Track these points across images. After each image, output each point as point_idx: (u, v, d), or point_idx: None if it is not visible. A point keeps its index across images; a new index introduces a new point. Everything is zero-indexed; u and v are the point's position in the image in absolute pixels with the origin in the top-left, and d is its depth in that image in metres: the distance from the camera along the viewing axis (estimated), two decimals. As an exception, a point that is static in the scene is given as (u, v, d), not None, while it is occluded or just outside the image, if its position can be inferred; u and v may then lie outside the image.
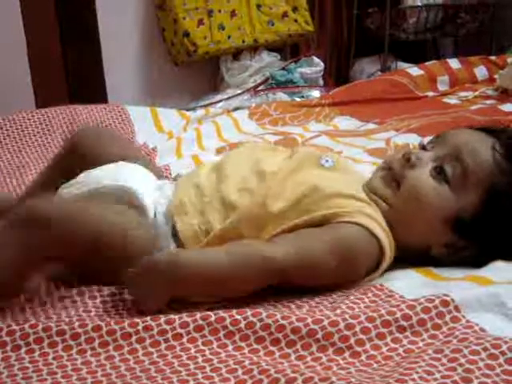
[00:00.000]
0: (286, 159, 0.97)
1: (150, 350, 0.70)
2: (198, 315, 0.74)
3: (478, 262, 0.88)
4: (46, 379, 0.66)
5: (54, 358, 0.69)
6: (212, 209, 0.90)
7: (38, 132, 1.60)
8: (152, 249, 0.86)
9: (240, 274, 0.80)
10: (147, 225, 0.89)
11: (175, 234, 0.90)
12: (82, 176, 0.95)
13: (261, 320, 0.73)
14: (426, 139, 1.03)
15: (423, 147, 0.96)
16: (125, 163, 1.00)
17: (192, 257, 0.81)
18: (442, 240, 0.90)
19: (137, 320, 0.73)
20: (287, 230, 0.87)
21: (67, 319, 0.74)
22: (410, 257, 0.91)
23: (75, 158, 1.02)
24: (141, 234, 0.87)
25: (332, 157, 0.97)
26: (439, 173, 0.90)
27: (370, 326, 0.72)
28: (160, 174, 1.14)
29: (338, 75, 3.14)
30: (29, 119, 1.62)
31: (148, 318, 0.73)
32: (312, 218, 0.86)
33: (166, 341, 0.71)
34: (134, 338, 0.71)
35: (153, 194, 0.94)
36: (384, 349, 0.71)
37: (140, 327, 0.72)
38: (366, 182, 0.95)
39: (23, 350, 0.70)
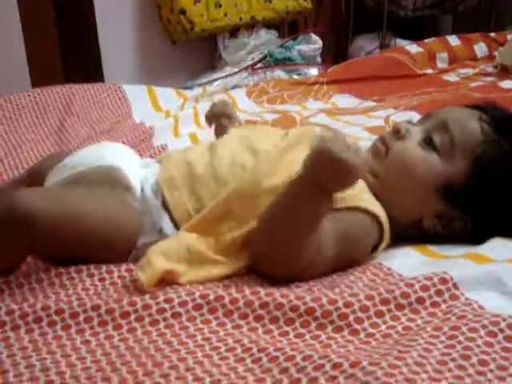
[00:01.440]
0: (281, 137, 0.97)
1: (149, 328, 0.71)
2: (197, 294, 0.74)
3: (474, 237, 0.88)
4: (45, 358, 0.66)
5: (53, 338, 0.69)
6: (203, 185, 0.89)
7: (35, 111, 1.59)
8: (138, 229, 0.86)
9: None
10: (132, 203, 0.88)
11: (167, 208, 0.89)
12: (67, 159, 0.95)
13: (259, 298, 0.73)
14: (417, 118, 1.03)
15: (412, 124, 0.96)
16: (108, 142, 0.99)
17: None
18: (432, 210, 0.90)
19: (136, 299, 0.73)
20: None
21: (66, 298, 0.74)
22: (402, 231, 0.90)
23: (36, 178, 1.00)
24: (124, 217, 0.85)
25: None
26: (428, 143, 0.91)
27: (368, 304, 0.72)
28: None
29: (336, 53, 3.12)
30: (24, 99, 1.61)
31: (147, 297, 0.73)
32: None
33: (165, 319, 0.71)
34: (132, 316, 0.71)
35: (139, 170, 0.94)
36: (383, 327, 0.71)
37: (139, 306, 0.72)
38: None
39: (22, 329, 0.70)
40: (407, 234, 0.91)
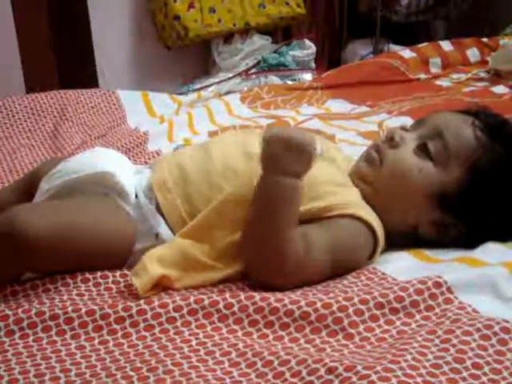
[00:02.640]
0: None
1: (144, 333, 0.71)
2: (192, 299, 0.74)
3: (470, 242, 0.89)
4: (40, 364, 0.66)
5: (47, 343, 0.69)
6: (196, 188, 0.89)
7: (29, 117, 1.59)
8: (133, 236, 0.86)
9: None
10: (127, 210, 0.88)
11: (161, 212, 0.89)
12: (60, 165, 0.95)
13: (254, 303, 0.73)
14: (410, 123, 1.03)
15: (405, 130, 0.96)
16: (100, 148, 0.99)
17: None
18: (428, 217, 0.90)
19: (130, 304, 0.73)
20: None
21: (60, 304, 0.74)
22: (397, 239, 0.90)
23: (34, 183, 0.99)
24: (120, 225, 0.85)
25: (322, 145, 0.97)
26: (422, 150, 0.91)
27: (363, 307, 0.72)
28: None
29: (329, 58, 3.13)
30: (19, 104, 1.61)
31: (141, 302, 0.73)
32: (306, 211, 0.84)
33: (160, 324, 0.72)
34: (127, 321, 0.71)
35: (132, 176, 0.94)
36: (377, 330, 0.71)
37: (134, 311, 0.72)
38: (352, 168, 0.95)
39: (17, 335, 0.70)
40: (402, 241, 0.91)
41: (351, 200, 0.87)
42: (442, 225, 0.90)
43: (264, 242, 0.80)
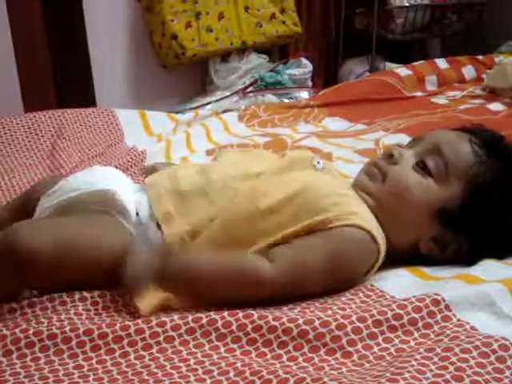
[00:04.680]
0: (277, 160, 0.98)
1: (142, 353, 0.70)
2: (190, 318, 0.74)
3: (469, 259, 0.89)
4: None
5: (45, 363, 0.69)
6: (197, 213, 0.89)
7: (27, 136, 1.59)
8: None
9: (228, 285, 0.79)
10: (127, 228, 0.88)
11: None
12: (59, 184, 0.95)
13: (252, 322, 0.73)
14: (407, 140, 1.04)
15: (401, 147, 0.97)
16: (100, 167, 0.99)
17: (185, 260, 0.82)
18: (429, 234, 0.91)
19: (128, 323, 0.73)
20: (285, 237, 0.85)
21: (58, 323, 0.74)
22: (397, 254, 0.91)
23: (30, 202, 0.99)
24: (120, 243, 0.84)
25: (322, 160, 0.98)
26: (422, 167, 0.91)
27: (361, 326, 0.72)
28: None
29: (326, 76, 3.15)
30: (17, 123, 1.61)
31: (139, 321, 0.73)
32: (309, 224, 0.85)
33: (158, 344, 0.71)
34: (125, 341, 0.71)
35: (133, 195, 0.93)
36: (376, 348, 0.71)
37: (131, 330, 0.72)
38: (353, 182, 0.96)
39: (15, 355, 0.70)
40: (403, 256, 0.92)
41: (353, 210, 0.87)
42: (442, 241, 0.91)
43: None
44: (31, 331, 0.72)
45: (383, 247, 0.87)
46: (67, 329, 0.72)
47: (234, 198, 0.89)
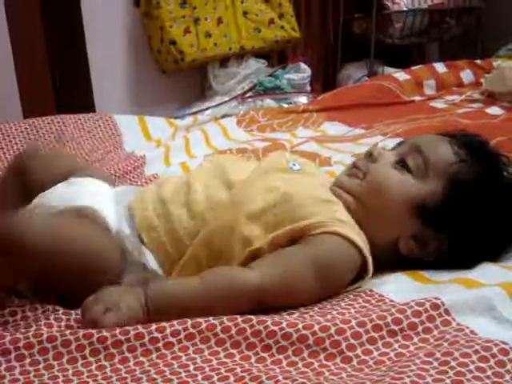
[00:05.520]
0: (253, 165, 0.98)
1: (142, 359, 0.70)
2: (189, 323, 0.73)
3: (452, 258, 0.89)
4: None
5: (44, 368, 0.69)
6: (180, 224, 0.88)
7: (27, 142, 1.59)
8: (122, 261, 0.85)
9: (216, 303, 0.79)
10: (112, 243, 0.86)
11: (147, 246, 0.88)
12: (35, 201, 0.93)
13: (252, 326, 0.73)
14: (389, 146, 1.05)
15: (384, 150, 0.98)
16: (75, 179, 0.97)
17: (164, 290, 0.80)
18: (408, 231, 0.91)
19: (128, 328, 0.73)
20: (265, 246, 0.85)
21: (57, 327, 0.74)
22: (379, 254, 0.89)
23: (23, 182, 0.99)
24: (110, 246, 0.84)
25: (298, 160, 0.98)
26: (401, 165, 0.93)
27: (360, 330, 0.72)
28: (111, 180, 1.13)
29: (325, 81, 3.15)
30: (16, 129, 1.61)
31: (139, 326, 0.73)
32: (286, 232, 0.85)
33: (158, 350, 0.71)
34: (125, 346, 0.71)
35: (113, 207, 0.92)
36: (375, 353, 0.71)
37: (131, 335, 0.72)
38: (334, 182, 0.96)
39: (13, 355, 0.70)
40: (384, 256, 0.91)
41: (332, 217, 0.87)
42: (422, 239, 0.91)
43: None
44: (31, 333, 0.72)
45: (366, 251, 0.86)
46: (67, 332, 0.72)
47: (215, 211, 0.88)
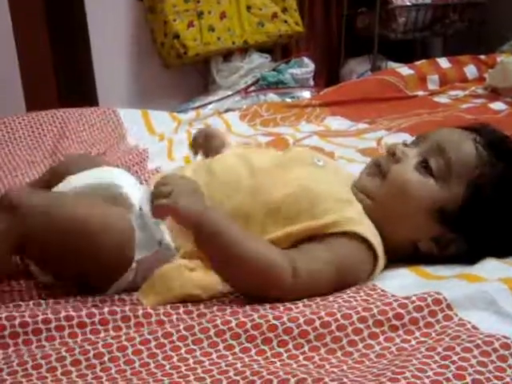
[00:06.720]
0: (278, 156, 0.98)
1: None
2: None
3: (469, 258, 0.89)
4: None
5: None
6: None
7: (29, 135, 1.59)
8: (131, 240, 0.87)
9: (249, 272, 0.80)
10: (130, 218, 0.89)
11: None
12: (66, 179, 0.96)
13: (252, 320, 0.73)
14: (409, 139, 1.04)
15: (406, 146, 0.96)
16: (107, 167, 1.03)
17: (222, 221, 0.82)
18: (429, 233, 0.90)
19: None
20: (281, 237, 0.86)
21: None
22: (397, 254, 0.90)
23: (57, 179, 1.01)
24: (119, 223, 0.86)
25: (322, 158, 0.99)
26: (424, 167, 0.91)
27: (361, 326, 0.72)
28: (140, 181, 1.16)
29: (328, 76, 3.15)
30: (19, 123, 1.61)
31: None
32: (304, 228, 0.85)
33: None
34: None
35: (137, 190, 0.95)
36: (377, 347, 0.71)
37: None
38: (355, 181, 0.96)
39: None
40: (402, 256, 0.91)
41: (351, 217, 0.87)
42: (442, 241, 0.90)
43: (240, 272, 0.81)
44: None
45: (381, 254, 0.87)
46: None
47: (234, 193, 0.89)
